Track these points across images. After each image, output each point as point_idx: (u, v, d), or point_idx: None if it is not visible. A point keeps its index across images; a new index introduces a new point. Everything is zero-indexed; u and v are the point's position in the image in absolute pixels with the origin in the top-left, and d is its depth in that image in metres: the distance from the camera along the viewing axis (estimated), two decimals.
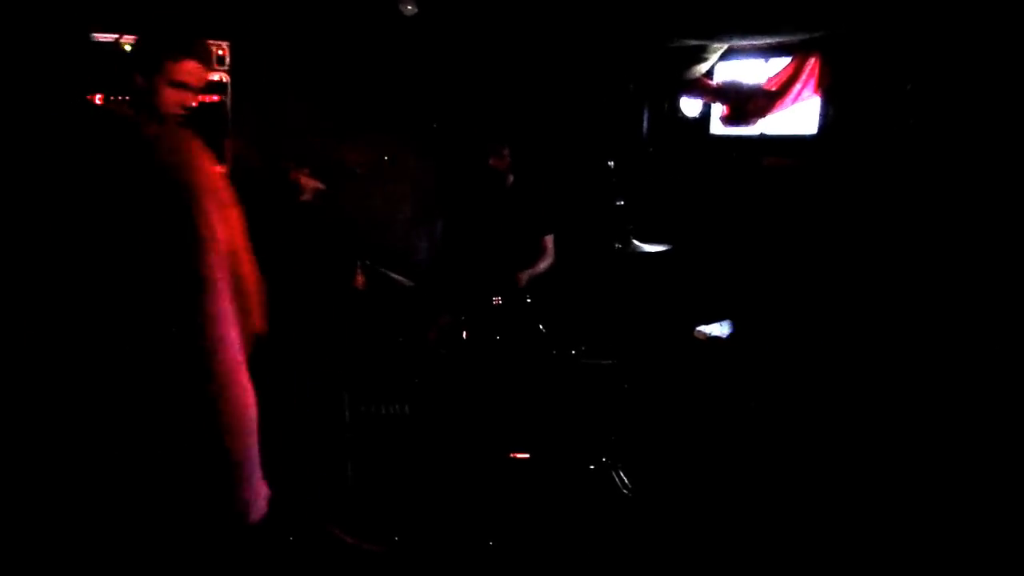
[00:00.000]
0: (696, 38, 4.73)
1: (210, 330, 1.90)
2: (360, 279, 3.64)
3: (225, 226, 2.01)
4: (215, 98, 4.40)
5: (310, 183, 3.34)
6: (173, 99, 2.82)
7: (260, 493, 2.15)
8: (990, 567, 3.11)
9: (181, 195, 1.89)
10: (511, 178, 4.67)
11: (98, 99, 3.98)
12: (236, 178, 2.99)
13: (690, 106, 5.31)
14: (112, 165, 1.87)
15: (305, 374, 4.07)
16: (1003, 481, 3.29)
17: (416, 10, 4.47)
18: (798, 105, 4.65)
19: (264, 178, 3.42)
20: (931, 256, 3.88)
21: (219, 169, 2.07)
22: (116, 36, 4.03)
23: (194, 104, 2.88)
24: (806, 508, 3.60)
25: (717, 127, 5.17)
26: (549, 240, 4.67)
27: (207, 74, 2.90)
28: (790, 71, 4.63)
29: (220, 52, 4.41)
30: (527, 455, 3.88)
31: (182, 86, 2.84)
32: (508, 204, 4.64)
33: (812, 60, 4.55)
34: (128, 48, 4.02)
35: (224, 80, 4.44)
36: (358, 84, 5.00)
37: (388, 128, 5.12)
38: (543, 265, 4.61)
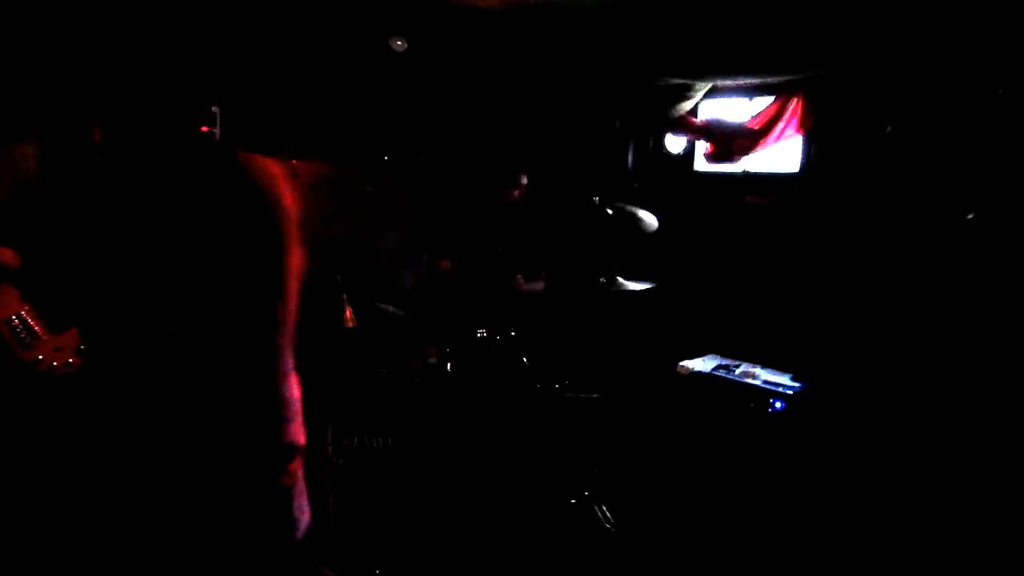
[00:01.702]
0: (681, 77, 4.80)
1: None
2: (348, 313, 3.64)
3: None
4: (203, 129, 4.41)
5: None
6: None
7: (305, 513, 2.42)
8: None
9: (273, 216, 2.01)
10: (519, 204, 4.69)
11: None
12: None
13: (675, 143, 5.37)
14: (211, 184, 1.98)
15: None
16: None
17: (405, 46, 4.51)
18: (781, 143, 4.72)
19: None
20: (913, 292, 3.93)
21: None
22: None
23: None
24: (792, 541, 3.61)
25: (701, 164, 5.24)
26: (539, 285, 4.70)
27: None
28: (774, 110, 4.71)
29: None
30: (510, 488, 3.88)
31: None
32: (509, 233, 4.65)
33: (795, 100, 4.62)
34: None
35: (213, 110, 4.45)
36: (346, 117, 5.02)
37: (376, 160, 5.15)
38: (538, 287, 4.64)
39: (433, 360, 4.23)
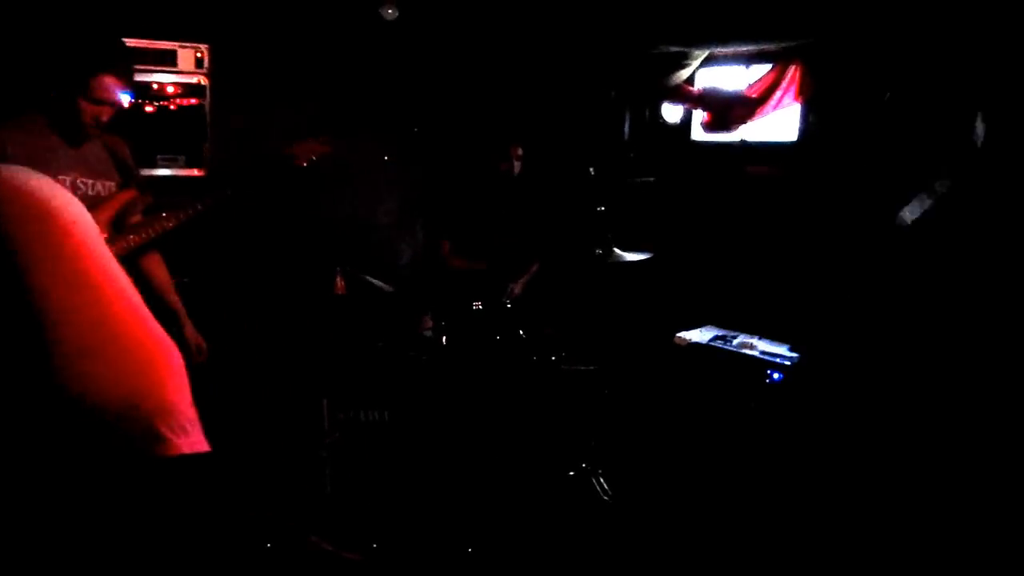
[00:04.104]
0: (678, 44, 4.75)
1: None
2: (340, 284, 3.61)
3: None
4: (194, 101, 4.35)
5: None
6: (90, 113, 2.78)
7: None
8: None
9: None
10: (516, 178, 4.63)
11: None
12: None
13: (671, 112, 5.32)
14: None
15: (284, 380, 4.04)
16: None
17: (397, 14, 4.45)
18: (779, 112, 4.67)
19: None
20: (912, 261, 3.90)
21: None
22: None
23: (104, 119, 2.81)
24: (788, 512, 3.60)
25: (698, 133, 5.19)
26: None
27: (126, 88, 2.83)
28: (771, 78, 4.65)
29: (199, 55, 4.36)
30: (507, 461, 3.87)
31: (99, 102, 2.77)
32: (509, 209, 4.61)
33: (793, 67, 4.57)
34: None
35: (203, 83, 4.40)
36: (339, 87, 4.96)
37: (369, 131, 5.10)
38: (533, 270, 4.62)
39: (429, 332, 4.21)
